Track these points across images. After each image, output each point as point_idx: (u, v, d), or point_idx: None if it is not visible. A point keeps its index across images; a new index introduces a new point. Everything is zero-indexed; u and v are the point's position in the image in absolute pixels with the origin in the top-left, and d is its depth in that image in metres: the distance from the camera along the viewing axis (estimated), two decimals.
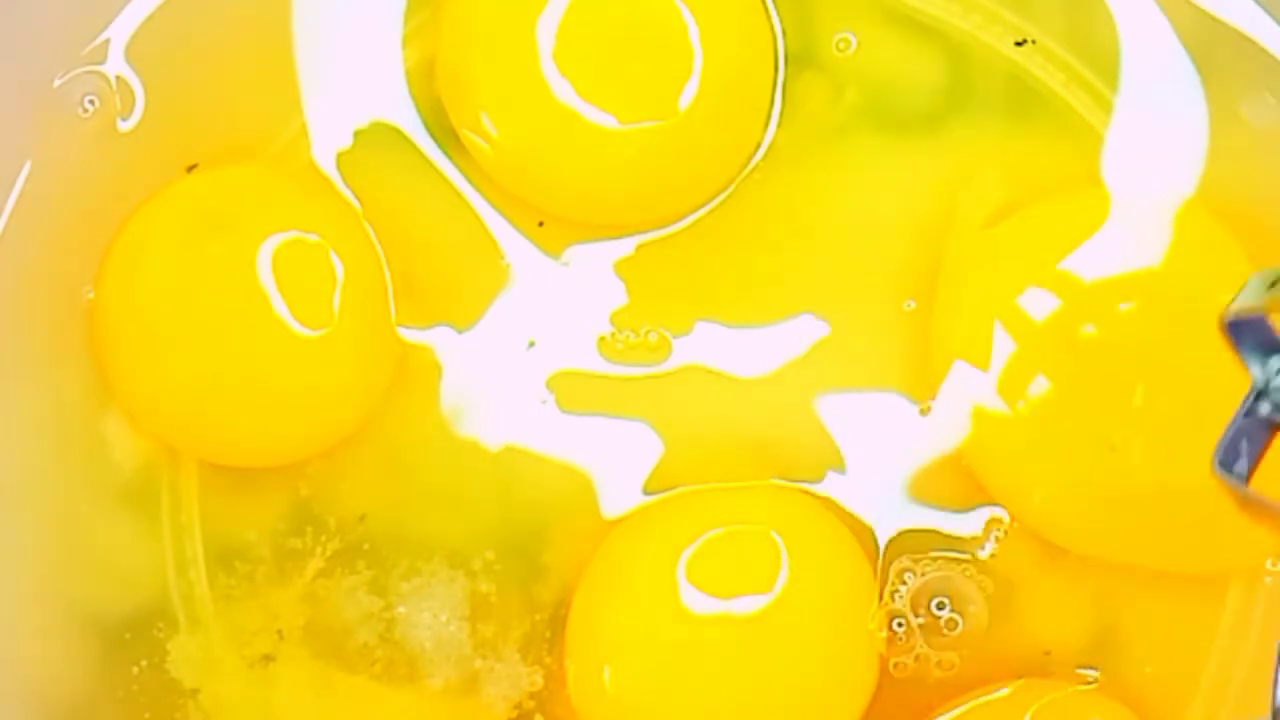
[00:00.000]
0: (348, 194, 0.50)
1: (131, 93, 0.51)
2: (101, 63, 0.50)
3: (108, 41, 0.50)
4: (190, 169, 0.50)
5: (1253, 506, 0.34)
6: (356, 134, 0.50)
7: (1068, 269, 0.47)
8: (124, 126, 0.51)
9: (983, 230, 0.49)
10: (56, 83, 0.50)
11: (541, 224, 0.50)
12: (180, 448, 0.50)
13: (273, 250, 0.48)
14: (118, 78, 0.50)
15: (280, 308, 0.47)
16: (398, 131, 0.50)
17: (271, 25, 0.50)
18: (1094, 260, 0.47)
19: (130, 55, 0.50)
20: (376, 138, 0.50)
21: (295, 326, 0.48)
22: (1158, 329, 0.46)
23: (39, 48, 0.50)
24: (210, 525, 0.50)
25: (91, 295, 0.50)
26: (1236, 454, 0.35)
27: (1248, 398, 0.35)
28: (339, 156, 0.50)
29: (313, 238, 0.48)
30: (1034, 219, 0.49)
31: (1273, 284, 0.34)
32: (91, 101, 0.50)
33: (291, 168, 0.51)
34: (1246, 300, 0.34)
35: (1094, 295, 0.47)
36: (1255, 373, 0.35)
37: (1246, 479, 0.35)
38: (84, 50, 0.50)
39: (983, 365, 0.47)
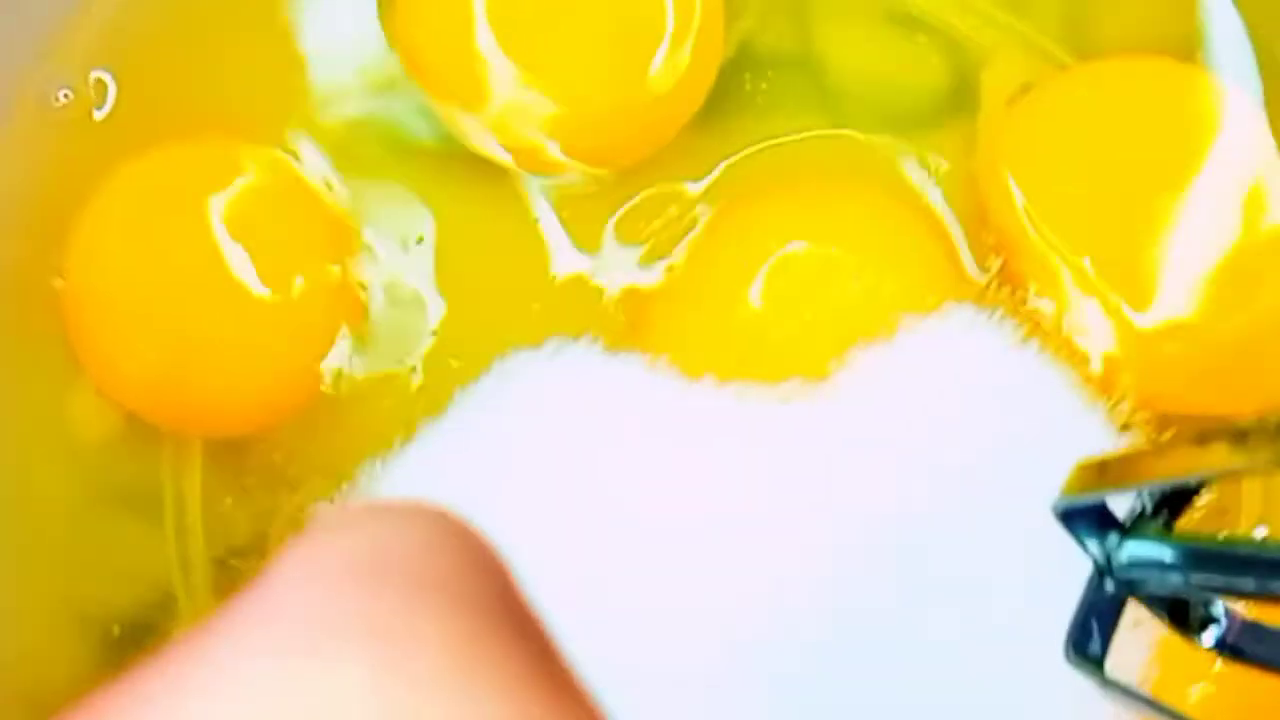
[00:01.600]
0: (342, 190, 0.50)
1: (104, 85, 0.50)
2: (75, 54, 0.49)
3: (81, 33, 0.49)
4: None
5: (1112, 690, 0.33)
6: (355, 133, 0.50)
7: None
8: (97, 116, 0.50)
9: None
10: (30, 74, 0.49)
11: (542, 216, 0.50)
12: (163, 424, 0.50)
13: (231, 221, 0.47)
14: (91, 70, 0.49)
15: (242, 273, 0.47)
16: (398, 131, 0.50)
17: (267, 20, 0.50)
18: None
19: (103, 46, 0.49)
20: (376, 137, 0.50)
21: (256, 290, 0.48)
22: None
23: (12, 38, 0.49)
24: (212, 525, 0.50)
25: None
26: (1089, 634, 0.34)
27: (1091, 578, 0.34)
28: (336, 155, 0.50)
29: (267, 204, 0.48)
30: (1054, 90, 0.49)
31: (1099, 470, 0.34)
32: (66, 95, 0.49)
33: (242, 142, 0.50)
34: (1072, 489, 0.34)
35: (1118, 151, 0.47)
36: (1094, 553, 0.34)
37: (1102, 658, 0.34)
38: (58, 42, 0.49)
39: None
